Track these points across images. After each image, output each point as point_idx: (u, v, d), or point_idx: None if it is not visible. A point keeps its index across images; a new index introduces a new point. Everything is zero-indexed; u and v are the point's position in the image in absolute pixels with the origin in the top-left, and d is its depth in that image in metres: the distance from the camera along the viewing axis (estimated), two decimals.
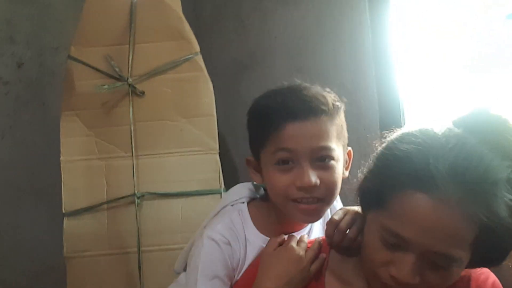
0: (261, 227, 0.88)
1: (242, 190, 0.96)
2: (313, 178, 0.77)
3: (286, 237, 0.82)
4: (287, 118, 0.78)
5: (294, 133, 0.78)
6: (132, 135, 1.33)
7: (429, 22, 1.21)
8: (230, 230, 0.86)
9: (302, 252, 0.77)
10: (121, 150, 1.35)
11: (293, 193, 0.79)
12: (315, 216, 0.82)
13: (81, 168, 1.34)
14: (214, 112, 1.37)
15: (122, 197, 1.32)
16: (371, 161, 0.69)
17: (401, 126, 1.24)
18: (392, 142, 0.67)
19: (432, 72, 1.19)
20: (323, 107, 0.79)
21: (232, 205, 0.93)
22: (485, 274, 0.75)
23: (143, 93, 1.34)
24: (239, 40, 1.65)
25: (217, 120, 1.37)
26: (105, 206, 1.33)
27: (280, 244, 0.80)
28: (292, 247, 0.77)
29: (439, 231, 0.60)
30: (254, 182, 0.94)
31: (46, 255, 1.55)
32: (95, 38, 1.35)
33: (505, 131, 0.64)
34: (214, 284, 0.82)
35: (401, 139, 0.66)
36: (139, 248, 1.31)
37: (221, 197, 1.35)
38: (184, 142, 1.35)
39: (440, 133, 0.64)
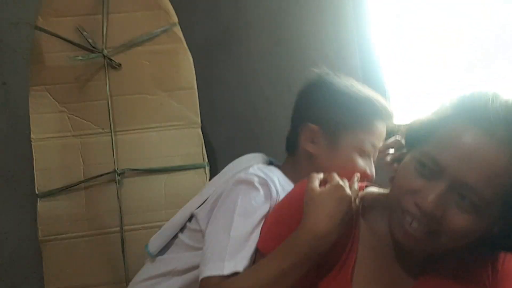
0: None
1: (254, 156, 0.97)
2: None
3: (323, 175, 0.77)
4: (382, 115, 0.91)
5: (382, 131, 0.91)
6: (110, 110, 1.24)
7: None
8: (262, 172, 0.85)
9: (349, 191, 0.73)
10: (97, 127, 1.26)
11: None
12: None
13: (55, 146, 1.24)
14: (195, 85, 1.30)
15: (101, 175, 1.23)
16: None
17: (384, 97, 1.24)
18: (454, 94, 0.66)
19: (415, 41, 1.19)
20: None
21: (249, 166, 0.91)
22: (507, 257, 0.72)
23: (119, 65, 1.25)
24: (211, 17, 1.58)
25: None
26: (82, 185, 1.24)
27: (322, 182, 0.76)
28: (341, 185, 0.72)
29: (477, 162, 0.58)
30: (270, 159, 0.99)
31: (18, 241, 1.43)
32: (64, 8, 1.24)
33: None
34: (253, 223, 0.78)
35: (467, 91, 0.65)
36: (122, 227, 1.23)
37: (205, 171, 1.29)
38: (164, 117, 1.28)
39: None
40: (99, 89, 1.25)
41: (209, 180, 1.27)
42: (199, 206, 0.92)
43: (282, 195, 0.82)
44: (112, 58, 1.24)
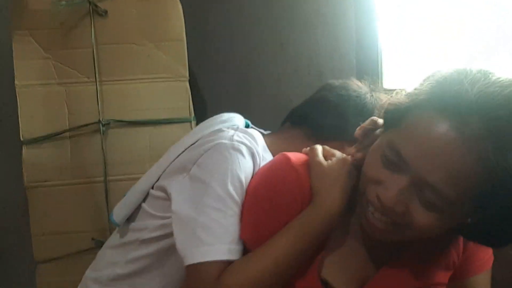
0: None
1: (235, 118, 0.88)
2: None
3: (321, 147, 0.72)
4: None
5: None
6: (95, 59, 1.21)
7: None
8: (247, 140, 0.75)
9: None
10: (82, 75, 1.23)
11: None
12: None
13: (39, 94, 1.22)
14: (184, 37, 1.26)
15: (86, 125, 1.22)
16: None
17: (377, 57, 1.19)
18: (437, 70, 0.59)
19: (415, 33, 1.12)
20: None
21: (226, 127, 0.81)
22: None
23: (105, 12, 1.20)
24: None
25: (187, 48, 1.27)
26: (67, 134, 1.23)
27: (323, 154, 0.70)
28: (347, 159, 0.68)
29: (441, 161, 0.53)
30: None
31: (4, 187, 1.44)
32: None
33: None
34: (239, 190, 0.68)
35: (448, 69, 0.58)
36: (105, 177, 1.23)
37: (191, 126, 1.27)
38: (151, 68, 1.25)
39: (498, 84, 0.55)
40: (85, 36, 1.21)
41: None
42: (164, 170, 0.82)
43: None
44: (98, 4, 1.19)
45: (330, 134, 0.84)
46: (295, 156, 0.68)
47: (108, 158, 1.23)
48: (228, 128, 0.81)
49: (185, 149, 0.82)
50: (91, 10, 1.19)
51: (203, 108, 1.46)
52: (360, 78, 0.94)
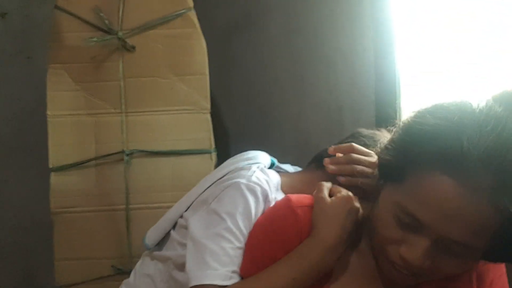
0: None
1: (256, 155, 0.91)
2: None
3: (330, 184, 0.74)
4: None
5: None
6: (122, 91, 1.25)
7: None
8: (264, 181, 0.80)
9: (357, 203, 0.69)
10: (110, 106, 1.27)
11: None
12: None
13: (69, 124, 1.27)
14: (207, 70, 1.29)
15: (111, 154, 1.25)
16: (396, 130, 0.61)
17: (395, 92, 1.19)
18: (422, 113, 0.58)
19: (431, 38, 1.12)
20: None
21: (250, 165, 0.86)
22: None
23: (133, 48, 1.25)
24: (230, 1, 1.55)
25: (209, 81, 1.30)
26: (93, 162, 1.27)
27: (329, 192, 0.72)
28: (351, 196, 0.69)
29: (461, 220, 0.53)
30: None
31: (34, 211, 1.48)
32: None
33: None
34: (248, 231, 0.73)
35: (434, 112, 0.57)
36: (127, 205, 1.25)
37: (211, 157, 1.29)
38: (175, 100, 1.28)
39: (477, 110, 0.55)
40: (113, 70, 1.26)
41: (216, 165, 1.28)
42: (192, 202, 0.88)
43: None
44: (127, 40, 1.24)
45: None
46: (299, 198, 0.71)
47: (131, 186, 1.26)
48: (251, 165, 0.85)
49: (213, 183, 0.87)
50: (120, 46, 1.24)
51: (225, 140, 1.48)
52: (379, 112, 0.94)
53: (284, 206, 0.71)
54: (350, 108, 1.21)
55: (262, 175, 0.81)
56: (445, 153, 0.53)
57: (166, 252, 0.87)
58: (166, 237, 0.91)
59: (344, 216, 0.66)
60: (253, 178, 0.79)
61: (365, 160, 0.78)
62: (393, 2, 1.18)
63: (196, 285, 0.68)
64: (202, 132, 1.29)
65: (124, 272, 1.24)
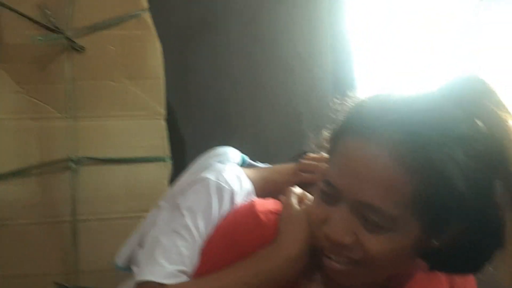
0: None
1: (228, 152, 0.84)
2: None
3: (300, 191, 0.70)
4: None
5: None
6: (70, 95, 1.16)
7: None
8: (234, 180, 0.73)
9: None
10: (56, 111, 1.17)
11: None
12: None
13: (10, 128, 1.15)
14: (162, 74, 1.22)
15: (56, 161, 1.15)
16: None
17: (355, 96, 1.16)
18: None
19: (387, 42, 1.12)
20: None
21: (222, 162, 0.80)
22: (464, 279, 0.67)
23: (83, 48, 1.16)
24: (187, 5, 1.49)
25: (165, 86, 1.22)
26: (36, 170, 1.15)
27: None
28: None
29: (370, 179, 0.51)
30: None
31: None
32: None
33: (483, 94, 0.55)
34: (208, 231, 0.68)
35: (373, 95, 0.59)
36: (74, 217, 1.15)
37: (166, 166, 1.22)
38: (127, 105, 1.20)
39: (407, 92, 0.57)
40: (60, 72, 1.16)
41: (171, 174, 1.21)
42: None
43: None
44: (75, 40, 1.15)
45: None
46: (263, 203, 0.67)
47: (79, 196, 1.16)
48: (223, 162, 0.80)
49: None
50: (68, 46, 1.15)
51: (180, 148, 1.41)
52: None
53: (247, 211, 0.67)
54: (310, 115, 1.19)
55: (233, 174, 0.75)
56: (352, 118, 0.56)
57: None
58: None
59: (310, 228, 0.61)
60: (223, 177, 0.73)
61: None
62: (350, 8, 1.17)
63: (140, 280, 0.65)
64: (157, 139, 1.22)
65: None
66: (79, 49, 1.16)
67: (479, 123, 0.53)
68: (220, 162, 0.79)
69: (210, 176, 0.72)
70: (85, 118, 1.18)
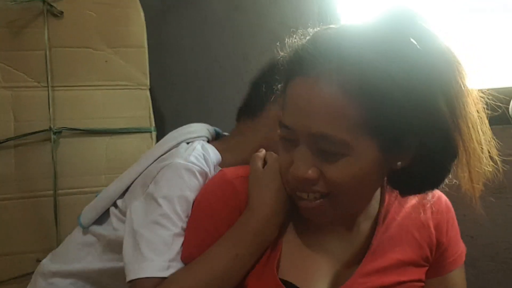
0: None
1: (197, 129, 0.86)
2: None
3: (264, 153, 0.70)
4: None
5: None
6: (48, 62, 1.09)
7: None
8: (203, 161, 0.75)
9: None
10: (33, 79, 1.10)
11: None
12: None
13: None
14: (145, 43, 1.17)
15: (34, 133, 1.08)
16: None
17: None
18: None
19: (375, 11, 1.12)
20: None
21: (188, 143, 0.81)
22: (438, 194, 0.71)
23: (61, 13, 1.10)
24: None
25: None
26: (11, 143, 1.08)
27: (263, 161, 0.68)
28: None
29: (315, 110, 0.54)
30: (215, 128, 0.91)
31: None
32: None
33: (415, 17, 0.57)
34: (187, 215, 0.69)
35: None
36: (55, 190, 1.09)
37: (151, 137, 1.17)
38: (109, 75, 1.15)
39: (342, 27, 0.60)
40: (37, 38, 1.09)
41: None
42: (134, 180, 0.81)
43: None
44: (53, 4, 1.08)
45: (252, 107, 0.86)
46: (233, 170, 0.68)
47: (59, 169, 1.10)
48: (193, 140, 0.81)
49: (154, 161, 0.81)
50: (45, 10, 1.08)
51: (164, 119, 1.37)
52: None
53: (220, 180, 0.68)
54: None
55: (201, 153, 0.76)
56: (294, 60, 0.57)
57: (101, 230, 0.81)
58: (103, 216, 0.83)
59: (277, 185, 0.63)
60: (191, 158, 0.74)
61: None
62: None
63: (133, 279, 0.63)
64: (141, 109, 1.17)
65: None
66: (57, 14, 1.09)
67: (413, 41, 0.55)
68: (187, 141, 0.80)
69: (179, 160, 0.73)
70: (63, 88, 1.12)
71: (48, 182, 1.09)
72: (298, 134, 0.57)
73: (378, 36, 0.55)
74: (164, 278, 0.62)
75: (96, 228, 0.81)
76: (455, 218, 0.73)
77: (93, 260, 0.79)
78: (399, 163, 0.59)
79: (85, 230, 0.84)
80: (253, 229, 0.62)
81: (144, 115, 1.17)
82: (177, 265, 0.64)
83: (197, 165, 0.73)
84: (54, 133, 1.09)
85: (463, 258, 0.73)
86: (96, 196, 0.89)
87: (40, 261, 1.06)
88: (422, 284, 0.69)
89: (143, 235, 0.65)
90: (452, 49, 0.57)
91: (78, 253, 0.81)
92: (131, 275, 0.63)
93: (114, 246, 0.76)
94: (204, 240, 0.65)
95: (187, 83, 1.41)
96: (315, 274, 0.64)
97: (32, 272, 1.06)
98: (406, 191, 0.64)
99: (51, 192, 1.09)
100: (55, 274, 0.80)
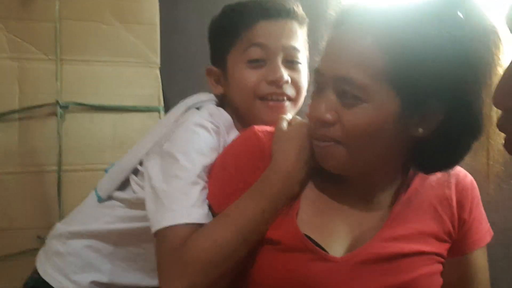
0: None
1: (205, 95, 0.83)
2: (285, 74, 0.76)
3: (289, 116, 0.71)
4: (261, 15, 0.77)
5: (267, 29, 0.77)
6: (57, 35, 1.06)
7: None
8: (215, 117, 0.74)
9: None
10: (40, 51, 1.07)
11: (264, 89, 0.76)
12: (281, 114, 0.74)
13: None
14: (157, 21, 1.15)
15: (40, 106, 1.05)
16: None
17: None
18: None
19: None
20: (295, 12, 0.79)
21: (197, 108, 0.79)
22: (463, 172, 0.70)
23: None
24: None
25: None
26: (16, 115, 1.05)
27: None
28: (305, 123, 0.66)
29: (344, 55, 0.56)
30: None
31: None
32: None
33: None
34: (206, 164, 0.68)
35: None
36: (59, 166, 1.05)
37: (159, 116, 1.15)
38: (119, 51, 1.12)
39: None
40: (47, 9, 1.06)
41: None
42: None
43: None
44: None
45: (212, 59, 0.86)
46: (261, 126, 0.69)
47: (64, 144, 1.06)
48: (201, 104, 0.80)
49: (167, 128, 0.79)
50: None
51: (172, 99, 1.33)
52: None
53: (247, 132, 0.69)
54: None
55: (210, 112, 0.76)
56: (338, 15, 0.60)
57: (124, 195, 0.78)
58: (122, 185, 0.80)
59: (300, 140, 0.64)
60: (203, 115, 0.75)
61: None
62: None
63: (158, 230, 0.63)
64: (150, 88, 1.15)
65: None
66: None
67: (460, 14, 0.55)
68: (197, 105, 0.79)
69: (191, 119, 0.74)
70: (72, 61, 1.09)
71: (52, 157, 1.06)
72: (326, 78, 0.58)
73: (425, 4, 0.56)
74: (187, 224, 0.62)
75: (118, 194, 0.78)
76: (479, 198, 0.71)
77: (113, 221, 0.76)
78: (420, 129, 0.58)
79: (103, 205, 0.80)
80: (276, 185, 0.63)
81: (153, 94, 1.15)
82: (198, 211, 0.64)
83: (208, 121, 0.73)
84: (61, 107, 1.05)
85: (487, 239, 0.71)
86: (105, 172, 0.86)
87: (41, 238, 1.04)
88: (442, 260, 0.68)
89: (163, 190, 0.66)
90: (497, 30, 0.56)
91: (97, 213, 0.78)
92: (155, 226, 0.64)
93: (138, 205, 0.73)
94: (228, 186, 0.66)
95: (195, 65, 1.38)
96: (333, 233, 0.64)
97: (33, 249, 1.04)
98: (427, 168, 0.63)
99: (55, 168, 1.06)
100: (72, 235, 0.77)
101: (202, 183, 0.66)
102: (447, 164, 0.62)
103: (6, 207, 1.03)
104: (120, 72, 1.12)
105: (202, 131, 0.71)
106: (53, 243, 0.78)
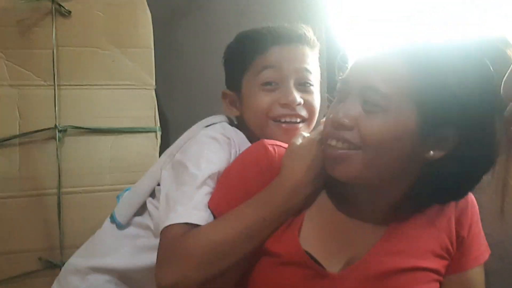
0: None
1: (219, 117, 0.86)
2: (298, 96, 0.78)
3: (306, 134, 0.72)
4: (274, 41, 0.80)
5: (279, 53, 0.79)
6: (54, 61, 1.08)
7: None
8: (226, 131, 0.77)
9: None
10: (39, 78, 1.10)
11: (277, 111, 0.78)
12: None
13: None
14: (152, 44, 1.17)
15: (40, 130, 1.07)
16: None
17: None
18: None
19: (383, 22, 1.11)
20: (307, 37, 0.81)
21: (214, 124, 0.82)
22: (466, 199, 0.69)
23: (69, 13, 1.10)
24: None
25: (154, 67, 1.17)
26: (16, 141, 1.07)
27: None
28: (315, 138, 0.67)
29: (372, 66, 0.59)
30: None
31: None
32: None
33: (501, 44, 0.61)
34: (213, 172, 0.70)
35: None
36: (59, 189, 1.07)
37: (156, 136, 1.16)
38: (116, 75, 1.14)
39: None
40: (45, 37, 1.09)
41: (160, 145, 1.16)
42: None
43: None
44: (62, 4, 1.08)
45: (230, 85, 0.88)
46: (272, 140, 0.71)
47: (64, 167, 1.08)
48: (215, 124, 0.82)
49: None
50: (53, 9, 1.08)
51: (168, 121, 1.35)
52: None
53: (257, 144, 0.71)
54: None
55: (225, 127, 0.79)
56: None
57: (145, 220, 0.79)
58: (139, 211, 0.81)
59: (311, 157, 0.65)
60: (216, 129, 0.78)
61: None
62: None
63: (165, 227, 0.65)
64: (146, 109, 1.17)
65: (54, 266, 1.06)
66: (66, 14, 1.09)
67: (487, 61, 0.58)
68: (213, 124, 0.81)
69: (203, 132, 0.77)
70: (70, 87, 1.11)
71: (52, 180, 1.08)
72: (351, 86, 0.60)
73: (459, 45, 0.60)
74: (187, 224, 0.64)
75: (137, 219, 0.79)
76: (479, 215, 0.71)
77: (136, 252, 0.76)
78: (432, 152, 0.59)
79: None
80: (281, 196, 0.63)
81: (150, 115, 1.16)
82: (199, 213, 0.65)
83: (220, 134, 0.75)
84: (59, 131, 1.08)
85: (485, 257, 0.71)
86: (117, 198, 0.85)
87: (43, 259, 1.06)
88: (440, 277, 0.67)
89: (173, 196, 0.68)
90: None
91: (117, 243, 0.77)
92: (161, 226, 0.65)
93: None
94: (231, 194, 0.67)
95: (192, 86, 1.40)
96: (332, 248, 0.65)
97: (34, 271, 1.05)
98: (431, 197, 0.64)
99: (55, 190, 1.07)
100: (92, 270, 0.76)
101: (207, 189, 0.68)
102: (453, 194, 0.64)
103: (8, 230, 1.05)
104: (116, 95, 1.14)
105: (212, 142, 0.73)
106: (71, 280, 0.77)
